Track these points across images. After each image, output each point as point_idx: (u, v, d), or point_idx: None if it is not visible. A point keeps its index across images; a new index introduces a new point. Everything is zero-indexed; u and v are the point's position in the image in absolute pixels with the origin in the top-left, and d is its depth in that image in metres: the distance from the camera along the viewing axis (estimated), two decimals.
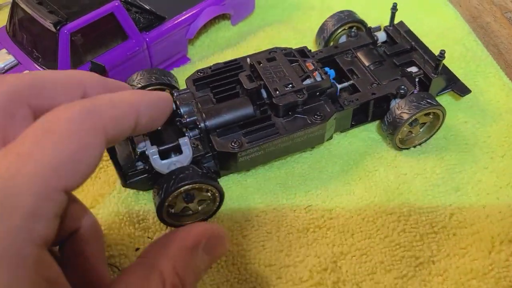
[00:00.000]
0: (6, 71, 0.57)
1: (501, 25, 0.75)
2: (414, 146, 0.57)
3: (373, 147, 0.57)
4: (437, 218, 0.50)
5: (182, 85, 0.63)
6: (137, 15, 0.62)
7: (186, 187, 0.46)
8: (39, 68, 0.57)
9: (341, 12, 0.65)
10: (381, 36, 0.62)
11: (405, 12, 0.74)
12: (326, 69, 0.56)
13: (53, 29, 0.54)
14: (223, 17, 0.73)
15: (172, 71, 0.67)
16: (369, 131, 0.59)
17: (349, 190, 0.53)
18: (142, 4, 0.62)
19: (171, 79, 0.58)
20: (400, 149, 0.56)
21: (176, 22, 0.64)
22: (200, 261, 0.37)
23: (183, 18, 0.65)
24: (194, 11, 0.66)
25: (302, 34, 0.65)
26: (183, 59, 0.69)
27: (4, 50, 0.59)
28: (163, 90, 0.56)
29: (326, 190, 0.53)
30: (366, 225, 0.50)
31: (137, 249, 0.48)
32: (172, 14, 0.64)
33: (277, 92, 0.51)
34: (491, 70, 0.66)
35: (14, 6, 0.60)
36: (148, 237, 0.50)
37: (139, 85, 0.55)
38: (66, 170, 0.31)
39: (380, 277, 0.46)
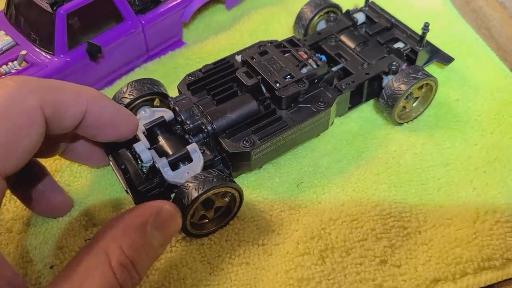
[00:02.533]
0: (4, 52, 0.58)
1: (493, 9, 0.76)
2: (412, 120, 0.58)
3: (365, 126, 0.58)
4: (426, 191, 0.51)
5: (172, 77, 0.64)
6: None
7: (212, 191, 0.44)
8: (37, 50, 0.58)
9: None
10: (360, 17, 0.63)
11: None
12: (317, 55, 0.57)
13: (49, 9, 0.55)
14: (217, 1, 0.74)
15: (167, 55, 0.68)
16: (361, 111, 0.60)
17: (341, 168, 0.54)
18: None
19: (161, 88, 0.56)
20: (398, 123, 0.57)
21: (171, 5, 0.65)
22: (152, 238, 0.37)
23: (178, 1, 0.66)
24: None
25: (295, 16, 0.66)
26: (178, 43, 0.70)
27: (2, 32, 0.60)
28: (154, 100, 0.55)
29: (318, 167, 0.54)
30: (356, 195, 0.51)
31: None
32: None
33: (278, 84, 0.51)
34: (482, 52, 0.67)
35: None
36: None
37: (132, 97, 0.53)
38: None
39: (370, 245, 0.47)
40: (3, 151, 0.33)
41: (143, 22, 0.63)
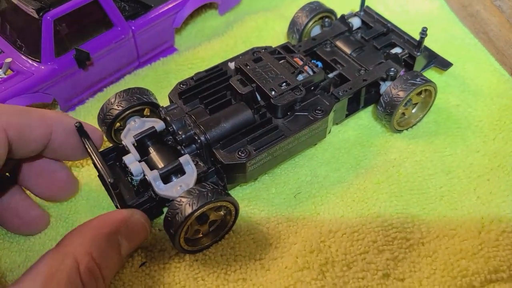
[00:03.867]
0: None
1: (490, 13, 0.75)
2: (411, 126, 0.56)
3: (363, 133, 0.57)
4: (428, 200, 0.49)
5: (164, 83, 0.62)
6: (122, 3, 0.62)
7: (207, 206, 0.42)
8: (23, 57, 0.56)
9: (310, 3, 0.64)
10: (355, 22, 0.62)
11: (389, 3, 0.73)
12: (313, 61, 0.55)
13: (35, 15, 0.53)
14: (210, 6, 0.73)
15: (158, 61, 0.66)
16: (359, 118, 0.58)
17: (340, 177, 0.52)
18: None
19: (151, 97, 0.53)
20: (397, 131, 0.56)
21: (162, 10, 0.63)
22: (121, 247, 0.39)
23: (169, 6, 0.64)
24: (180, 0, 0.65)
25: (289, 22, 0.65)
26: (170, 49, 0.68)
27: None
28: (143, 110, 0.53)
29: (316, 176, 0.53)
30: (356, 205, 0.49)
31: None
32: (158, 3, 0.64)
33: (274, 92, 0.49)
34: (482, 56, 0.65)
35: None
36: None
37: (120, 108, 0.50)
38: None
39: (372, 258, 0.45)
40: None
41: (133, 28, 0.61)
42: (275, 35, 0.69)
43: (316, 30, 0.64)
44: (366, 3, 0.63)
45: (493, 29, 0.73)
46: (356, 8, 0.64)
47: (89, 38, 0.58)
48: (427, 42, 0.58)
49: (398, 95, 0.52)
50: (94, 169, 0.52)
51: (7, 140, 0.37)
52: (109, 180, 0.40)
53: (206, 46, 0.68)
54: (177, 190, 0.44)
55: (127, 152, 0.47)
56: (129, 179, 0.47)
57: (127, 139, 0.47)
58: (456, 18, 0.71)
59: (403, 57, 0.57)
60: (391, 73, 0.54)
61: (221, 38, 0.69)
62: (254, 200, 0.51)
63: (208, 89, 0.52)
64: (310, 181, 0.52)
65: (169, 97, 0.53)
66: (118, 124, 0.52)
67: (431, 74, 0.62)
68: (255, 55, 0.54)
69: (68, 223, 0.49)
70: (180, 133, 0.47)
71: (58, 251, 0.36)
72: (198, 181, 0.45)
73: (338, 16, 0.64)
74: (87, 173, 0.53)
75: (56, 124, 0.41)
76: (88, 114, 0.60)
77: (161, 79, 0.64)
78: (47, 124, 0.40)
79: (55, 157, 0.44)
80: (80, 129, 0.44)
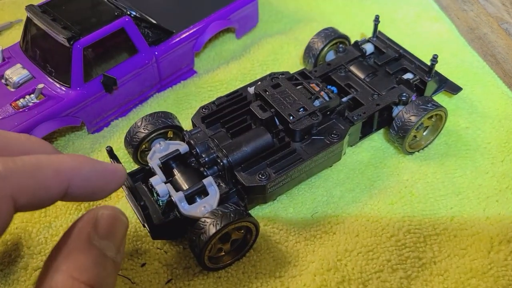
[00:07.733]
0: (21, 84, 0.59)
1: (497, 36, 0.78)
2: (422, 148, 0.59)
3: (376, 155, 0.59)
4: (439, 220, 0.51)
5: (185, 104, 0.65)
6: (146, 30, 0.65)
7: (230, 226, 0.45)
8: (53, 82, 0.59)
9: (326, 29, 0.67)
10: (369, 48, 0.65)
11: (400, 26, 0.76)
12: (329, 87, 0.58)
13: (66, 44, 0.57)
14: (227, 30, 0.76)
15: (179, 84, 0.69)
16: (372, 140, 0.61)
17: (354, 197, 0.55)
18: (151, 19, 0.64)
19: (174, 120, 0.56)
20: (409, 153, 0.58)
21: (184, 36, 0.67)
22: (104, 250, 0.33)
23: (190, 32, 0.67)
24: (200, 26, 0.68)
25: (304, 46, 0.67)
26: (190, 72, 0.71)
27: (18, 65, 0.61)
28: (167, 132, 0.56)
29: (331, 197, 0.55)
30: (371, 225, 0.51)
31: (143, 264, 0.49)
32: (180, 29, 0.67)
33: (292, 117, 0.52)
34: (489, 79, 0.68)
35: (28, 23, 0.63)
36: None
37: (146, 131, 0.54)
38: None
39: (387, 276, 0.47)
40: None
41: (156, 53, 0.64)
42: (290, 58, 0.72)
43: (330, 55, 0.67)
44: (379, 26, 0.66)
45: (500, 52, 0.75)
46: (369, 33, 0.67)
47: (115, 63, 0.61)
48: (438, 65, 0.60)
49: (410, 119, 0.54)
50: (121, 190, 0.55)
51: (13, 209, 0.31)
52: (140, 203, 0.43)
53: (224, 69, 0.71)
54: (201, 210, 0.46)
55: (153, 173, 0.49)
56: (155, 199, 0.50)
57: (153, 161, 0.50)
58: (464, 41, 0.74)
59: (414, 82, 0.59)
60: (403, 98, 0.57)
61: (238, 61, 0.72)
62: (273, 220, 0.53)
63: (229, 114, 0.55)
64: (326, 201, 0.55)
65: (192, 121, 0.56)
66: (144, 146, 0.55)
67: (441, 97, 0.64)
68: (274, 80, 0.57)
69: None
70: (203, 156, 0.50)
71: None
72: (221, 202, 0.48)
73: (352, 41, 0.67)
74: (114, 194, 0.56)
75: (73, 176, 0.35)
76: (113, 135, 0.63)
77: (181, 101, 0.67)
78: (62, 180, 0.34)
79: (72, 201, 0.40)
80: (110, 153, 0.47)
